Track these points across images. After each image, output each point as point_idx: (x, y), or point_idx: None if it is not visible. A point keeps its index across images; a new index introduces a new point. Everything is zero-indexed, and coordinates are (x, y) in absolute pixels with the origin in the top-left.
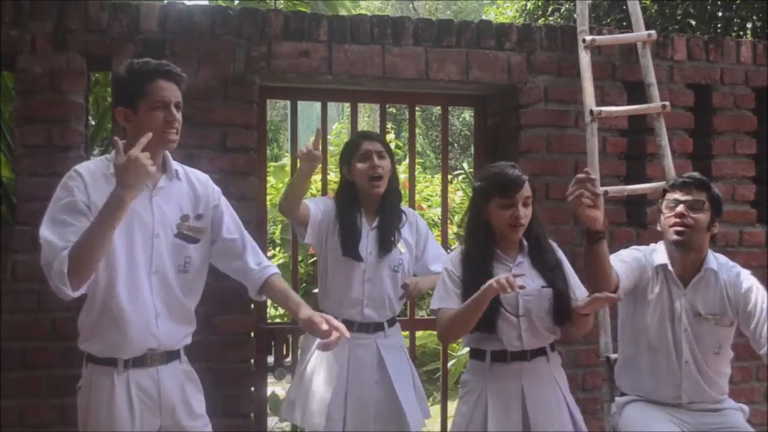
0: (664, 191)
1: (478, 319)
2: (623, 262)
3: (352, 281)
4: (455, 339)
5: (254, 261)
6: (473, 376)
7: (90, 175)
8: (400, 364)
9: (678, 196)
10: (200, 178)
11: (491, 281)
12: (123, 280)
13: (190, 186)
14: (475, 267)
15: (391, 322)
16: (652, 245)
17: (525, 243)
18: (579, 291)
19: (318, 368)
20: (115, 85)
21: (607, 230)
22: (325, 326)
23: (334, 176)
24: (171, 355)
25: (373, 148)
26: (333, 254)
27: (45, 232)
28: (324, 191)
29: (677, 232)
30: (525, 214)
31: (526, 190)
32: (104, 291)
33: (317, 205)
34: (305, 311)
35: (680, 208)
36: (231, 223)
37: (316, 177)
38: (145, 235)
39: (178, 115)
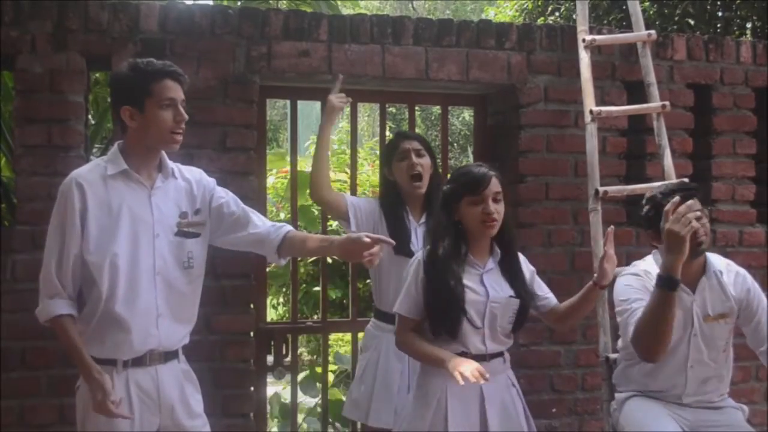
0: (656, 203)
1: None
2: (641, 299)
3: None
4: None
5: (264, 225)
6: (431, 377)
7: (87, 182)
8: None
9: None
10: (194, 172)
11: (456, 370)
12: (124, 283)
13: (185, 182)
14: (442, 268)
15: None
16: (640, 265)
17: (497, 249)
18: (550, 293)
19: (379, 366)
20: (117, 84)
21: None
22: (367, 239)
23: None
24: (170, 355)
25: (411, 147)
26: (384, 254)
27: (45, 265)
28: None
29: (699, 243)
30: (496, 209)
31: (495, 186)
32: (106, 296)
33: (357, 200)
34: (338, 238)
35: (678, 199)
36: (230, 203)
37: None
38: (146, 236)
39: (184, 114)
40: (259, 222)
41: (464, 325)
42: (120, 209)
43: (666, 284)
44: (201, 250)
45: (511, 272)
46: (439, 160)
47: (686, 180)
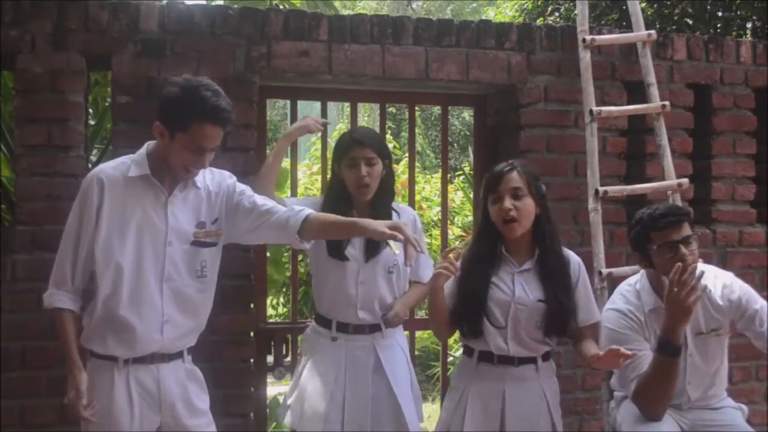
0: (643, 226)
1: (442, 310)
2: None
3: (345, 283)
4: (438, 334)
5: (283, 211)
6: (460, 374)
7: (108, 179)
8: (399, 364)
9: (674, 236)
10: (216, 178)
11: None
12: (129, 287)
13: (207, 190)
14: (471, 265)
15: None
16: (626, 290)
17: (537, 250)
18: (588, 313)
19: (314, 371)
20: (165, 100)
21: (606, 231)
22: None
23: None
24: (174, 356)
25: (362, 155)
26: (322, 255)
27: (59, 252)
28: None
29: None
30: (514, 206)
31: (512, 181)
32: (108, 296)
33: (297, 201)
34: (376, 223)
35: (683, 250)
36: (251, 199)
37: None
38: (156, 242)
39: (209, 157)
40: (278, 209)
41: (486, 323)
42: (133, 213)
43: (668, 351)
44: (215, 258)
45: (547, 275)
46: (438, 160)
47: (678, 203)
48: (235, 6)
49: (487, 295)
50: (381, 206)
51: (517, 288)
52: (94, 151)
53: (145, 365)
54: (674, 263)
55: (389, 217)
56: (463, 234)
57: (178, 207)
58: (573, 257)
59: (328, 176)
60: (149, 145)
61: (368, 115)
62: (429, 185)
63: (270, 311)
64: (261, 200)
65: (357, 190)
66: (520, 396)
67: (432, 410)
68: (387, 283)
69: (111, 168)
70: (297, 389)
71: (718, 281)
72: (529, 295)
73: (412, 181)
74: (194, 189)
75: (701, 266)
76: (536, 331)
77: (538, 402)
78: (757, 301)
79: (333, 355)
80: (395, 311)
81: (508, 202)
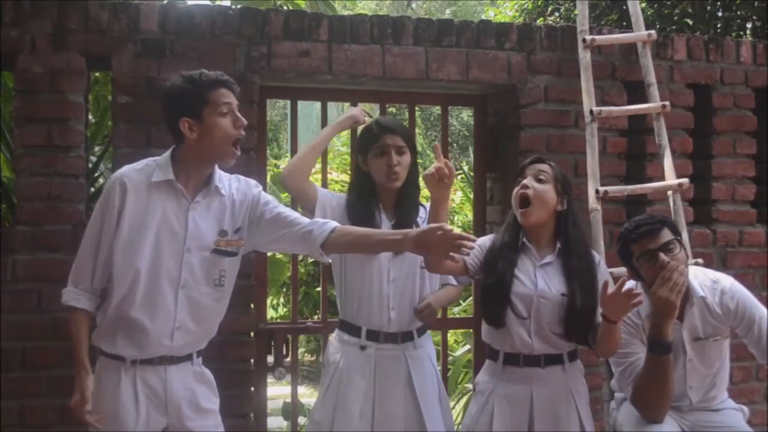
0: (623, 240)
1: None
2: (635, 352)
3: (375, 283)
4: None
5: (307, 222)
6: (486, 377)
7: (131, 182)
8: (429, 378)
9: (650, 245)
10: (242, 188)
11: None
12: (144, 291)
13: (232, 199)
14: (499, 253)
15: (421, 331)
16: None
17: (558, 245)
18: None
19: (341, 385)
20: (173, 96)
21: (606, 231)
22: (450, 229)
23: (335, 176)
24: (182, 358)
25: (393, 143)
26: (353, 258)
27: (80, 250)
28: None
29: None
30: (533, 187)
31: (538, 168)
32: (122, 298)
33: (328, 194)
34: (412, 231)
35: (662, 257)
36: (276, 209)
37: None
38: (174, 247)
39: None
40: (301, 220)
41: (509, 315)
42: (154, 217)
43: (658, 349)
44: (234, 268)
45: (571, 270)
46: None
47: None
48: (237, 6)
49: (512, 286)
50: (408, 200)
51: (539, 281)
52: (96, 149)
53: (153, 366)
54: (656, 272)
55: (416, 211)
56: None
57: (199, 213)
58: (595, 255)
59: (329, 176)
60: (173, 150)
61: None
62: None
63: (270, 311)
64: (285, 211)
65: (387, 178)
66: (549, 399)
67: None
68: (420, 280)
69: (135, 171)
70: (325, 405)
71: (716, 287)
72: (551, 288)
73: None
74: (218, 196)
75: (696, 269)
76: (559, 326)
77: (566, 403)
78: (757, 310)
79: (361, 366)
80: (428, 302)
81: (528, 181)
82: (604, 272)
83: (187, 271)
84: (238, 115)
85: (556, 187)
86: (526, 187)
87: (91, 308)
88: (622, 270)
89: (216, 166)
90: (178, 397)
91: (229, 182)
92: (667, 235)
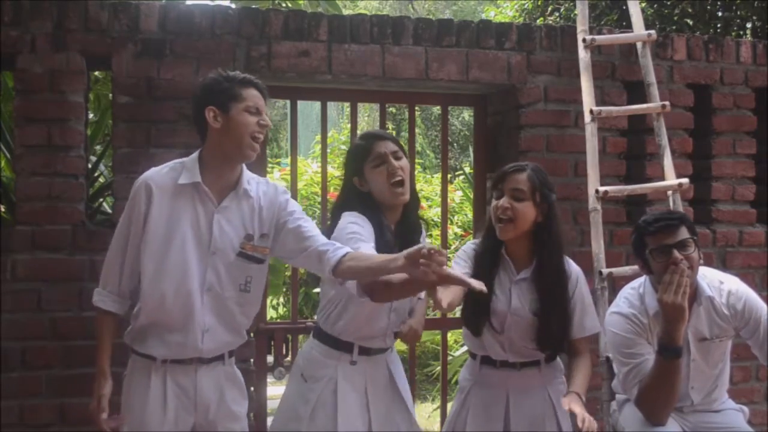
0: (639, 231)
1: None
2: (640, 354)
3: (378, 315)
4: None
5: (323, 241)
6: (467, 374)
7: (156, 186)
8: (400, 371)
9: (666, 241)
10: (270, 193)
11: None
12: (173, 294)
13: (259, 203)
14: (481, 265)
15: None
16: (630, 294)
17: (535, 259)
18: (580, 327)
19: (340, 401)
20: (206, 88)
21: (606, 231)
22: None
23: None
24: (213, 359)
25: (387, 150)
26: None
27: (109, 253)
28: (324, 192)
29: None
30: (512, 206)
31: (516, 182)
32: (151, 301)
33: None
34: (404, 252)
35: (675, 254)
36: (294, 221)
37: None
38: (201, 251)
39: (268, 122)
40: (319, 239)
41: (486, 330)
42: (179, 221)
43: (668, 354)
44: (261, 276)
45: (543, 287)
46: (438, 160)
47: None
48: (237, 6)
49: (491, 299)
50: (410, 219)
51: (513, 298)
52: (97, 148)
53: (183, 366)
54: (667, 268)
55: (420, 231)
56: (463, 234)
57: (225, 217)
58: (573, 268)
59: (328, 177)
60: (200, 151)
61: (368, 115)
62: (429, 185)
63: (270, 311)
64: (306, 225)
65: (392, 191)
66: (525, 400)
67: (432, 410)
68: (409, 301)
69: (161, 174)
70: (315, 422)
71: (724, 287)
72: (524, 306)
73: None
74: (246, 199)
75: (704, 269)
76: (531, 342)
77: (543, 405)
78: (763, 312)
79: (352, 379)
80: (414, 328)
81: (505, 201)
82: (582, 285)
83: (212, 273)
84: (264, 116)
85: (534, 200)
86: (504, 209)
87: (117, 310)
88: (621, 270)
89: (245, 168)
90: (207, 397)
91: (257, 185)
92: (684, 233)
